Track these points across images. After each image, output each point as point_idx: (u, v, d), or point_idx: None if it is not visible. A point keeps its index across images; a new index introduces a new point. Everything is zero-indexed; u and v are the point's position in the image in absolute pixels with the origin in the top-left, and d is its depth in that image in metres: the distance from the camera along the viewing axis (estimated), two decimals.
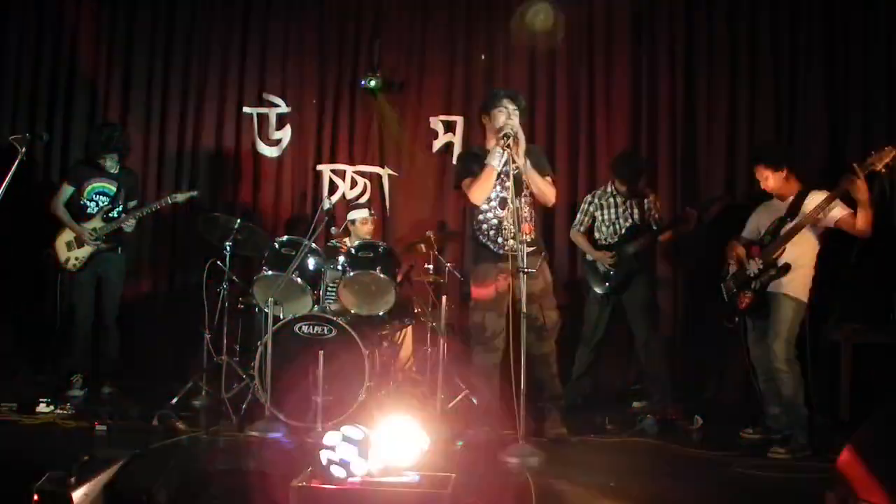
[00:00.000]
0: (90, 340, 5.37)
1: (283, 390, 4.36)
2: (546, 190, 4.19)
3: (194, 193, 5.52)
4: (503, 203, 4.18)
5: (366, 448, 2.83)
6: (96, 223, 5.27)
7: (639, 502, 3.33)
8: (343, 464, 2.81)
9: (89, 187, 5.33)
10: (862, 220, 4.01)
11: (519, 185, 4.15)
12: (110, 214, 5.32)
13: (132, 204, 5.48)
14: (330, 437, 2.88)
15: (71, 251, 5.26)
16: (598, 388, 5.45)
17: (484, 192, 4.14)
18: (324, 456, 2.84)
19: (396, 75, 6.18)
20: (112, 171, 5.37)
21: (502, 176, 4.13)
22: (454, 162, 6.05)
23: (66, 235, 5.27)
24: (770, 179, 4.32)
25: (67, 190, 5.32)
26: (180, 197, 5.43)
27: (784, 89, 5.69)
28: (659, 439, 4.35)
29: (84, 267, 5.27)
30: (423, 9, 6.23)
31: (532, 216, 4.26)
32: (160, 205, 5.39)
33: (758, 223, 4.49)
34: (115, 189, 5.38)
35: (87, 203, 5.32)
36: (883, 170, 3.93)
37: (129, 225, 5.32)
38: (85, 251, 5.25)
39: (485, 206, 4.23)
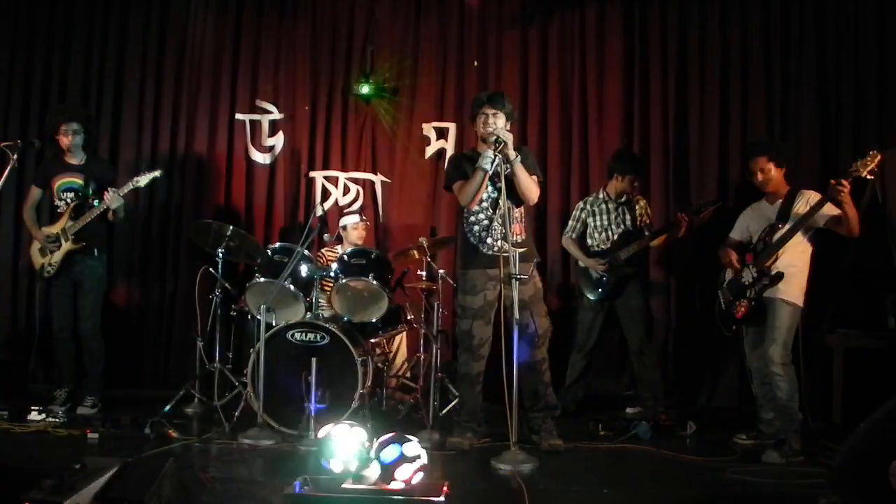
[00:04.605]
0: (73, 352, 5.00)
1: (276, 398, 4.36)
2: (530, 185, 4.14)
3: (157, 174, 4.95)
4: (494, 204, 4.18)
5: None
6: (65, 223, 4.86)
7: None
8: None
9: (58, 185, 4.94)
10: (849, 219, 4.01)
11: (511, 186, 4.15)
12: (78, 211, 4.87)
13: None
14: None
15: (44, 257, 4.90)
16: (592, 395, 5.43)
17: (474, 194, 4.13)
18: None
19: (389, 81, 6.18)
20: (74, 161, 4.96)
21: (493, 177, 4.12)
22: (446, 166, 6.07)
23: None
24: (771, 173, 4.32)
25: (35, 192, 5.03)
26: (143, 180, 4.87)
27: (776, 93, 5.72)
28: (652, 445, 4.34)
29: (59, 273, 4.88)
30: (416, 15, 6.23)
31: (522, 217, 4.27)
32: (122, 192, 4.82)
33: (747, 225, 4.50)
34: (81, 182, 4.94)
35: (58, 203, 4.94)
36: (868, 175, 3.95)
37: (73, 226, 4.79)
38: (57, 256, 4.85)
39: (476, 208, 4.22)
